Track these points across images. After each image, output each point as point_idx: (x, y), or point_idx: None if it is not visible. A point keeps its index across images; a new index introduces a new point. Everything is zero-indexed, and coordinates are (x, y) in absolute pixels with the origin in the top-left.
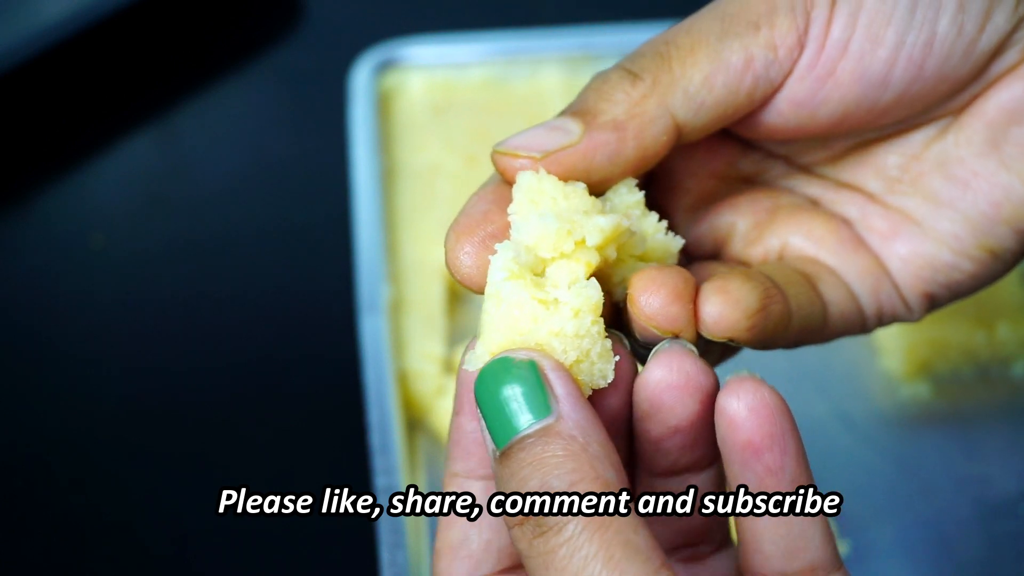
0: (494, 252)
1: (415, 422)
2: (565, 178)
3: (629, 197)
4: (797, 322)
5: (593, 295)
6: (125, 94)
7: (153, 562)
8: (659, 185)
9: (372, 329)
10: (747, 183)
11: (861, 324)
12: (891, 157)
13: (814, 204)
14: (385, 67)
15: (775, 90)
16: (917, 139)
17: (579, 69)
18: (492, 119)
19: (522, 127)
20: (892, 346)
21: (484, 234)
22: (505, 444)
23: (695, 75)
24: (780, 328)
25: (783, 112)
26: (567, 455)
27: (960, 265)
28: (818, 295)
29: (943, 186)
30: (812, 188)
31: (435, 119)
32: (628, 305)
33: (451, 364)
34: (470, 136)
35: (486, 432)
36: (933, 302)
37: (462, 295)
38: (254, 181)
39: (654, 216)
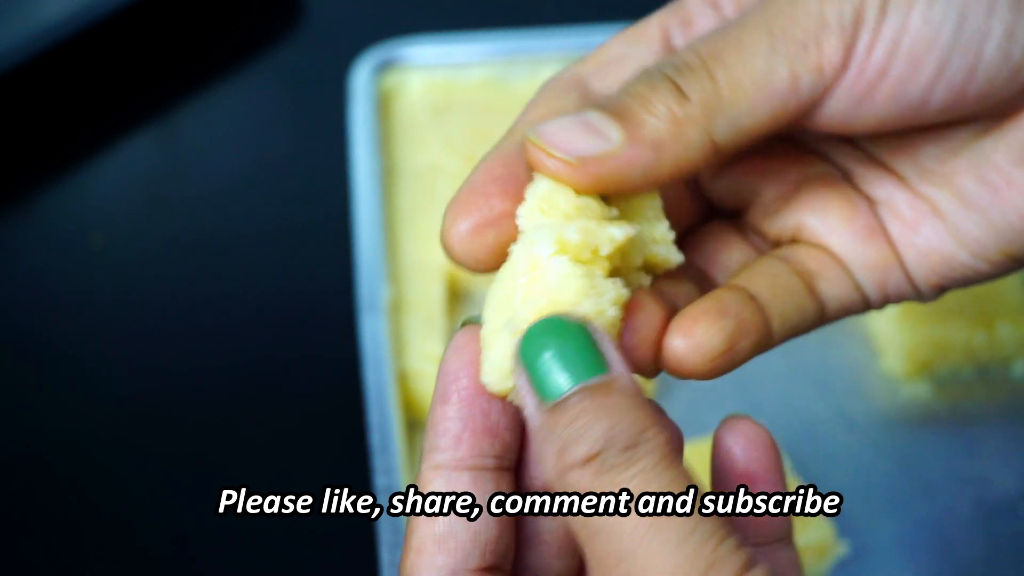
0: (489, 235)
1: (415, 422)
2: (592, 184)
3: (647, 203)
4: (781, 335)
5: (624, 293)
6: (125, 94)
7: (153, 562)
8: None
9: (372, 329)
10: (783, 141)
11: (864, 308)
12: (929, 147)
13: (844, 177)
14: (385, 67)
15: (814, 106)
16: (958, 135)
17: None
18: (492, 119)
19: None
20: (892, 346)
21: (483, 217)
22: (560, 396)
23: (742, 102)
24: (754, 353)
25: (820, 124)
26: (632, 405)
27: (977, 267)
28: (813, 298)
29: (975, 188)
30: (848, 159)
31: (435, 119)
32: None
33: None
34: (470, 136)
35: (528, 390)
36: (944, 291)
37: (462, 295)
38: (254, 181)
39: (664, 224)
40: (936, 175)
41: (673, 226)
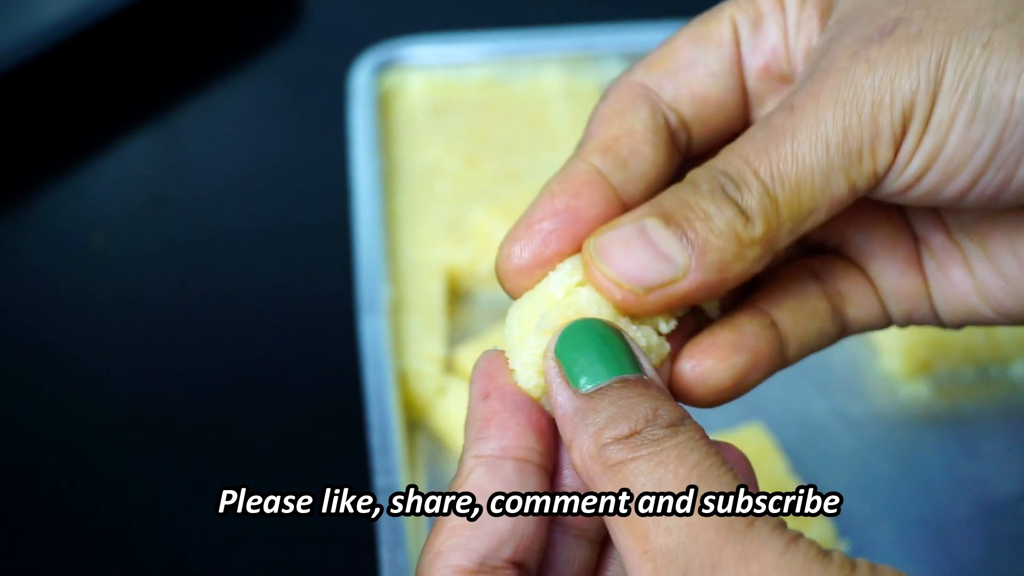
0: (538, 274)
1: (415, 422)
2: (658, 311)
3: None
4: (795, 358)
5: (664, 348)
6: (125, 94)
7: (153, 562)
8: None
9: (372, 329)
10: None
11: (886, 327)
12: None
13: (896, 210)
14: (385, 67)
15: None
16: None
17: (579, 69)
18: (492, 119)
19: (522, 127)
20: (892, 346)
21: (537, 257)
22: (601, 382)
23: (804, 217)
24: (763, 378)
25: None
26: (670, 398)
27: (997, 321)
28: (837, 321)
29: (1006, 257)
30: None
31: (435, 119)
32: None
33: (451, 364)
34: (470, 136)
35: (561, 381)
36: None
37: (462, 295)
38: (254, 181)
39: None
40: (972, 229)
41: None
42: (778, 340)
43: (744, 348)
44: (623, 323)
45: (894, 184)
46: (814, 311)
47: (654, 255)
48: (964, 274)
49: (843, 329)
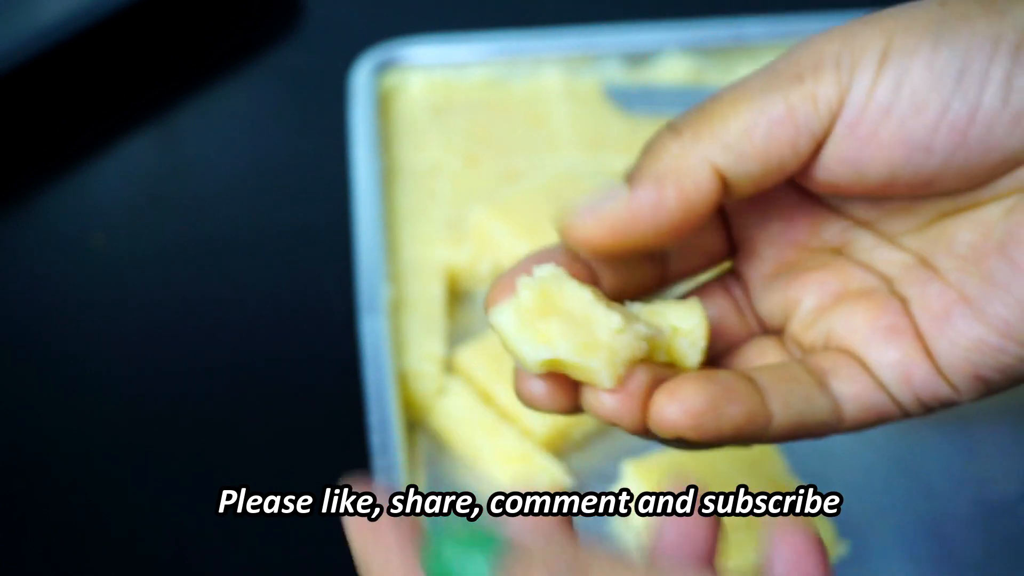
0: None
1: (415, 422)
2: (616, 240)
3: (688, 308)
4: (784, 421)
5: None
6: (125, 94)
7: (153, 562)
8: (739, 254)
9: (372, 329)
10: (831, 254)
11: (899, 412)
12: (964, 233)
13: (882, 283)
14: (385, 67)
15: (819, 145)
16: (989, 216)
17: (579, 69)
18: (492, 119)
19: (522, 127)
20: None
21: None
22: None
23: (734, 125)
24: (748, 429)
25: (833, 169)
26: None
27: (1007, 348)
28: (824, 392)
29: (999, 266)
30: (892, 263)
31: (435, 119)
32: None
33: (451, 364)
34: (470, 136)
35: None
36: (988, 386)
37: (462, 295)
38: (254, 181)
39: (699, 329)
40: (968, 261)
41: (719, 342)
42: (756, 391)
43: (717, 381)
44: (601, 306)
45: (865, 121)
46: (794, 377)
47: (603, 195)
48: (964, 309)
49: (835, 404)
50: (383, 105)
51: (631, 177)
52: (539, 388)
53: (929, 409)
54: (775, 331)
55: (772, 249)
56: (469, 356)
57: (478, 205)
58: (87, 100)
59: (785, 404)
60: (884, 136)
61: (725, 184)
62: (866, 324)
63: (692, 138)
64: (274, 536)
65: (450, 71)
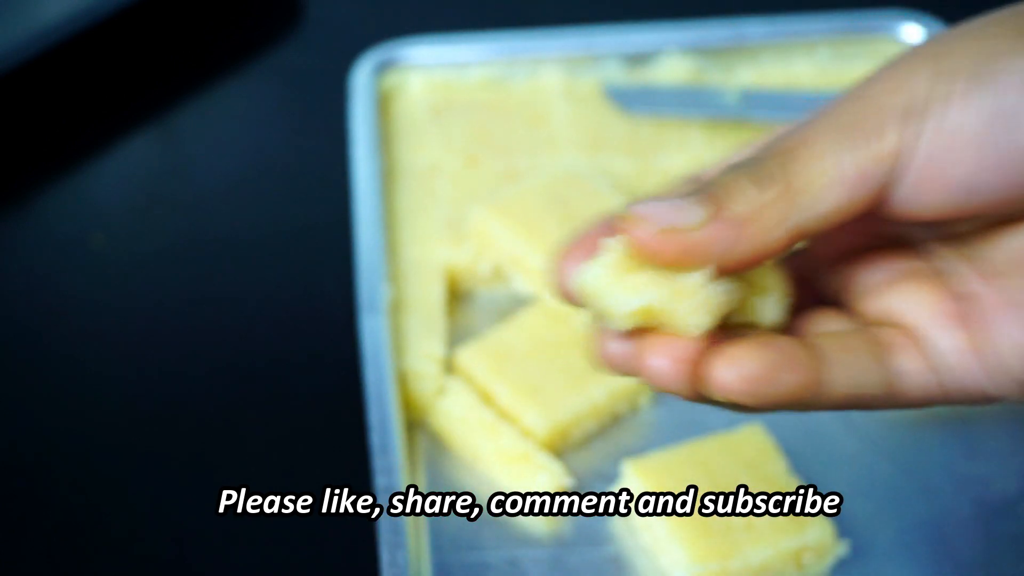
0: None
1: (415, 422)
2: (674, 255)
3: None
4: (841, 388)
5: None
6: (125, 94)
7: (153, 562)
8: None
9: (372, 329)
10: (894, 242)
11: (943, 397)
12: (1016, 241)
13: (944, 276)
14: (385, 67)
15: (888, 195)
16: None
17: (579, 69)
18: (492, 119)
19: (522, 127)
20: None
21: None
22: None
23: (809, 189)
24: (804, 395)
25: (894, 210)
26: None
27: None
28: (881, 364)
29: None
30: (953, 259)
31: (435, 119)
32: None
33: (451, 364)
34: (470, 136)
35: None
36: None
37: (462, 295)
38: (254, 181)
39: (776, 294)
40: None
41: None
42: (813, 357)
43: (774, 347)
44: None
45: (913, 168)
46: (854, 347)
47: (675, 207)
48: (1017, 312)
49: (890, 378)
50: (383, 105)
51: (708, 205)
52: (619, 348)
53: (971, 401)
54: (835, 302)
55: (841, 233)
56: (469, 356)
57: (478, 205)
58: (87, 100)
59: (844, 374)
60: (933, 183)
61: (799, 234)
62: (930, 306)
63: (777, 194)
64: (274, 536)
65: (450, 71)
